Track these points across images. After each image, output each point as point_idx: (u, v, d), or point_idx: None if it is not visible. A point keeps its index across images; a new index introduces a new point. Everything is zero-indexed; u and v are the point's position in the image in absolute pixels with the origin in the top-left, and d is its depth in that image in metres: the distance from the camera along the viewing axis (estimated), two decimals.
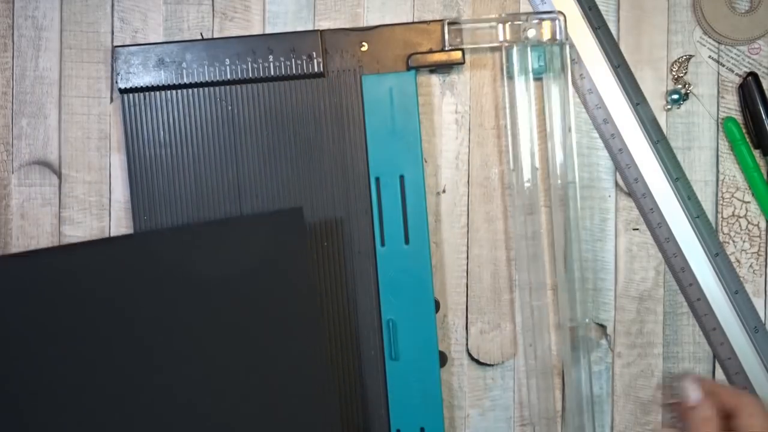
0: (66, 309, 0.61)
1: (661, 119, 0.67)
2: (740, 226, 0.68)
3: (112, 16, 0.68)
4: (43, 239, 0.67)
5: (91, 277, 0.61)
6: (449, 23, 0.65)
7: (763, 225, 0.68)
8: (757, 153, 0.67)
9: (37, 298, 0.60)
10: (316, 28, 0.67)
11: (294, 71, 0.64)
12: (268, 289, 0.62)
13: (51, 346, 0.60)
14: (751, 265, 0.68)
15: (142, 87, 0.65)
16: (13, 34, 0.68)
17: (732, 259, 0.67)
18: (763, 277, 0.68)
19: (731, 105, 0.68)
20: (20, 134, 0.67)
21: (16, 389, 0.60)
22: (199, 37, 0.67)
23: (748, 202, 0.68)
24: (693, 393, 0.59)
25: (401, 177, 0.64)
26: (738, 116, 0.67)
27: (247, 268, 0.62)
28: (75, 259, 0.62)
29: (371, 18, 0.68)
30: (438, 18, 0.66)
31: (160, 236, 0.64)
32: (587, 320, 0.67)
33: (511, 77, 0.66)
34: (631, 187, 0.67)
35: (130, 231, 0.66)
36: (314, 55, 0.64)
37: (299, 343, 0.62)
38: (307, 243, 0.64)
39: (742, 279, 0.67)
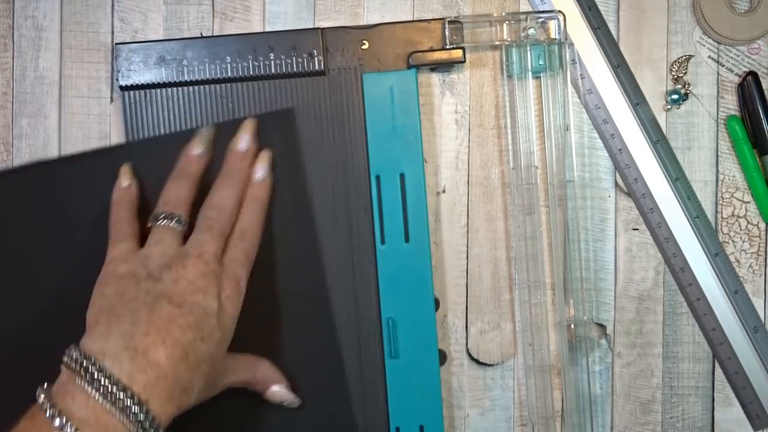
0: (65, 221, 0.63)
1: (661, 119, 0.67)
2: (740, 226, 0.68)
3: (112, 16, 0.68)
4: None
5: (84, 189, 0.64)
6: (450, 22, 0.65)
7: (762, 225, 0.68)
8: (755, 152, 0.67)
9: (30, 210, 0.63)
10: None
11: (295, 69, 0.64)
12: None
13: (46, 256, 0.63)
14: (750, 265, 0.68)
15: (142, 84, 0.65)
16: (13, 34, 0.68)
17: (732, 259, 0.67)
18: (763, 277, 0.68)
19: (731, 105, 0.68)
20: (20, 134, 0.67)
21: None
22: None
23: (748, 202, 0.68)
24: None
25: (401, 175, 0.64)
26: (737, 116, 0.67)
27: None
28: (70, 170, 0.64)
29: (371, 18, 0.68)
30: (438, 17, 0.66)
31: (152, 145, 0.65)
32: (587, 320, 0.67)
33: (510, 76, 0.66)
34: (631, 187, 0.67)
35: None
36: (315, 53, 0.64)
37: (295, 246, 0.64)
38: (299, 144, 0.64)
39: (741, 279, 0.67)
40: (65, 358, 0.50)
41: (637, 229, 0.68)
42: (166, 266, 0.55)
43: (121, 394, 0.48)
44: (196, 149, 0.62)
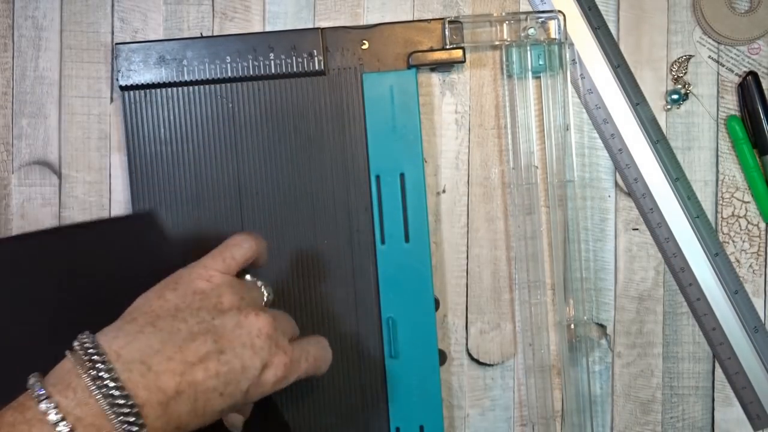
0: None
1: (661, 119, 0.67)
2: (740, 226, 0.68)
3: (112, 16, 0.68)
4: None
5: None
6: (450, 22, 0.65)
7: (762, 225, 0.68)
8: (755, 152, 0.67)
9: None
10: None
11: (295, 69, 0.64)
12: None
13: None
14: (750, 265, 0.68)
15: (142, 84, 0.65)
16: (13, 34, 0.68)
17: (732, 259, 0.67)
18: (763, 277, 0.68)
19: (731, 105, 0.68)
20: (20, 134, 0.67)
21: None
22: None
23: (748, 202, 0.68)
24: None
25: (401, 175, 0.64)
26: (737, 116, 0.67)
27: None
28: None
29: (371, 18, 0.68)
30: (438, 17, 0.66)
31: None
32: (587, 320, 0.67)
33: (510, 76, 0.66)
34: (631, 187, 0.67)
35: None
36: (315, 53, 0.64)
37: None
38: (163, 245, 0.62)
39: (741, 279, 0.67)
40: (76, 344, 0.47)
41: (637, 229, 0.68)
42: (239, 309, 0.51)
43: (122, 401, 0.45)
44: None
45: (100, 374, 0.45)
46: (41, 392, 0.45)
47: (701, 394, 0.68)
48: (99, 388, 0.45)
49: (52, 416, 0.44)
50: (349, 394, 0.64)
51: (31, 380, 0.46)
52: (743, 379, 0.67)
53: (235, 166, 0.65)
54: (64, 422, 0.44)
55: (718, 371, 0.68)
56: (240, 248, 0.54)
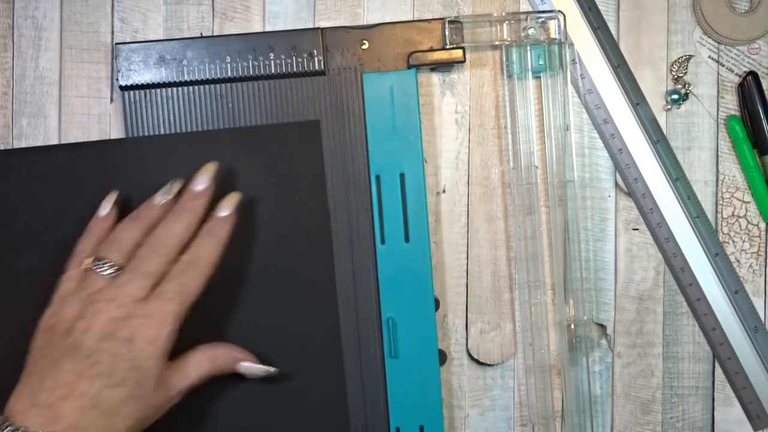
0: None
1: (661, 119, 0.67)
2: (740, 226, 0.68)
3: (112, 16, 0.68)
4: None
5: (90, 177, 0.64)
6: (450, 22, 0.65)
7: (762, 225, 0.68)
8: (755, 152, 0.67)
9: (34, 192, 0.64)
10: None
11: (295, 69, 0.64)
12: (282, 202, 0.64)
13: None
14: (750, 265, 0.68)
15: (142, 84, 0.65)
16: (13, 34, 0.68)
17: (732, 259, 0.67)
18: (763, 277, 0.68)
19: (731, 105, 0.68)
20: (20, 134, 0.67)
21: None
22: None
23: (748, 202, 0.68)
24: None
25: (401, 175, 0.64)
26: (737, 116, 0.67)
27: (261, 179, 0.64)
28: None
29: (371, 18, 0.68)
30: (438, 17, 0.66)
31: (179, 140, 0.65)
32: (587, 320, 0.67)
33: (510, 76, 0.66)
34: (631, 187, 0.67)
35: None
36: (315, 53, 0.64)
37: (309, 256, 0.64)
38: (322, 155, 0.64)
39: (741, 279, 0.67)
40: None
41: (637, 229, 0.68)
42: (80, 316, 0.55)
43: None
44: (158, 198, 0.61)
45: None
46: None
47: (701, 394, 0.68)
48: None
49: None
50: (349, 394, 0.64)
51: None
52: (743, 379, 0.67)
53: None
54: None
55: (718, 371, 0.68)
56: (84, 243, 0.60)
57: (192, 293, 0.57)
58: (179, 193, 0.61)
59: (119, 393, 0.53)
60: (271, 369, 0.61)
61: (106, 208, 0.62)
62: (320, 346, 0.63)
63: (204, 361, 0.59)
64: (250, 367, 0.60)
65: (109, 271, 0.57)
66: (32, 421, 0.51)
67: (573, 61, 0.67)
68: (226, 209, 0.60)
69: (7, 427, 0.50)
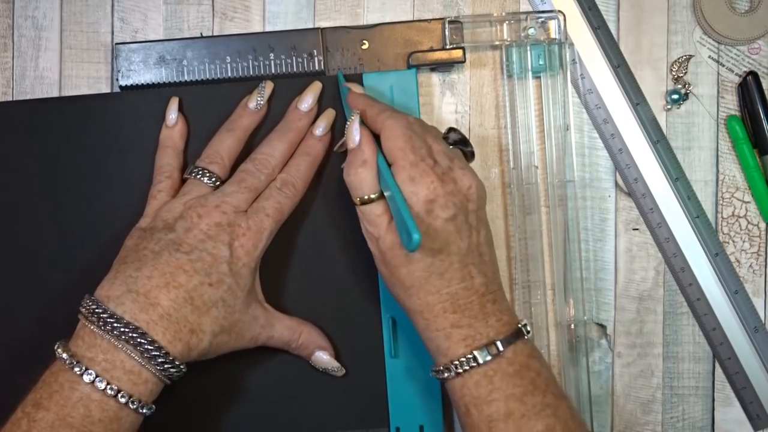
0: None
1: (661, 119, 0.67)
2: (740, 226, 0.68)
3: (112, 16, 0.68)
4: None
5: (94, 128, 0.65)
6: (450, 22, 0.65)
7: (762, 225, 0.68)
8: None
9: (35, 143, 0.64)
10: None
11: (295, 69, 0.64)
12: None
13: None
14: (750, 265, 0.68)
15: (142, 84, 0.65)
16: (13, 34, 0.68)
17: (732, 259, 0.67)
18: (763, 277, 0.68)
19: (731, 105, 0.68)
20: None
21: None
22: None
23: (748, 202, 0.68)
24: (356, 135, 0.57)
25: None
26: (737, 116, 0.67)
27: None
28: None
29: (371, 18, 0.68)
30: (438, 17, 0.66)
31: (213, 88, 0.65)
32: (587, 320, 0.67)
33: (510, 76, 0.66)
34: (631, 187, 0.67)
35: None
36: (315, 53, 0.64)
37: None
38: None
39: (741, 279, 0.67)
40: (81, 308, 0.54)
41: (637, 229, 0.68)
42: (182, 216, 0.57)
43: (125, 328, 0.52)
44: (252, 102, 0.63)
45: (102, 318, 0.52)
46: (63, 352, 0.52)
47: (701, 394, 0.68)
48: (102, 328, 0.52)
49: (78, 369, 0.51)
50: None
51: (56, 346, 0.53)
52: (743, 379, 0.67)
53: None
54: (88, 370, 0.51)
55: (718, 371, 0.68)
56: (162, 158, 0.62)
57: (286, 212, 0.60)
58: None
59: (214, 292, 0.55)
60: (341, 369, 0.63)
61: (173, 118, 0.63)
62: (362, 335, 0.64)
63: (293, 328, 0.61)
64: (323, 358, 0.62)
65: (209, 182, 0.59)
66: (127, 306, 0.53)
67: (573, 61, 0.67)
68: (322, 127, 0.63)
69: (102, 312, 0.53)
